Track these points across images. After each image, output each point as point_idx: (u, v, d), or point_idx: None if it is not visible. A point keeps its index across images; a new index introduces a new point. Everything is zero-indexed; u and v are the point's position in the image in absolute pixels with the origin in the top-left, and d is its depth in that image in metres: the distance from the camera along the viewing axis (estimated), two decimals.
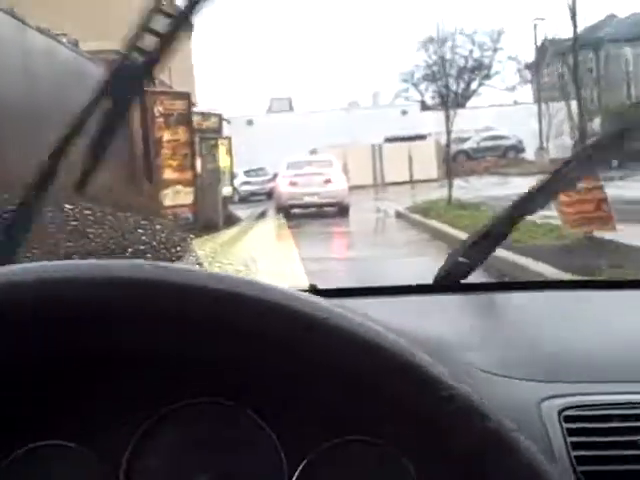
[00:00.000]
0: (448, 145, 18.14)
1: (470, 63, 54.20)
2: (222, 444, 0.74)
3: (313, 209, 18.86)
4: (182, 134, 10.75)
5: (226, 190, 16.37)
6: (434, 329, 1.06)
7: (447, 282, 1.34)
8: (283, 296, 0.58)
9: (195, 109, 16.84)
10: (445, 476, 0.59)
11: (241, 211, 21.52)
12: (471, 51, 53.07)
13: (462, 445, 0.57)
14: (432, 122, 36.76)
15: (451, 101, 54.79)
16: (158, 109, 10.68)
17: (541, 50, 50.62)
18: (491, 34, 51.35)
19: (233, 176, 17.94)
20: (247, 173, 29.88)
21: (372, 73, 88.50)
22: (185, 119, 10.87)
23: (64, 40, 12.57)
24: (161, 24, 1.04)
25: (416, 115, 39.45)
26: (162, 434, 0.74)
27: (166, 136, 10.46)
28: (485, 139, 36.66)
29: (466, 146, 35.64)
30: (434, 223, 13.44)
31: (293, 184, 18.70)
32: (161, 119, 10.72)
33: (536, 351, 1.00)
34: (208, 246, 2.02)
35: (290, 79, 73.67)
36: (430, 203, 17.59)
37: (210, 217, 12.83)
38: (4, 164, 8.54)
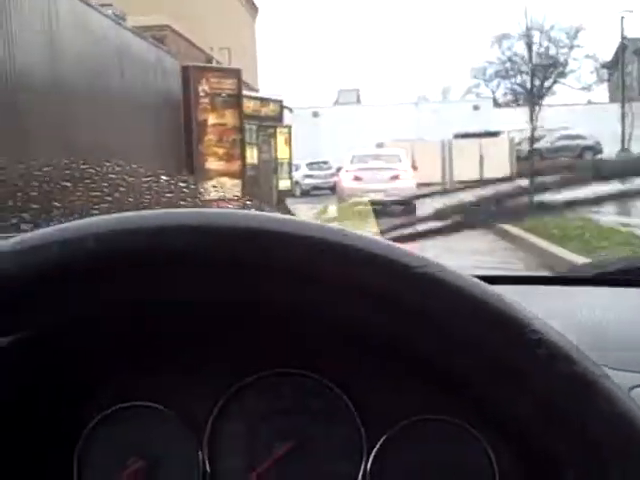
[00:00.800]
0: (532, 142, 16.32)
1: (545, 60, 51.81)
2: (303, 415, 0.73)
3: (378, 207, 17.21)
4: (230, 118, 9.09)
5: (283, 183, 14.86)
6: None
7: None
8: (375, 245, 0.55)
9: (255, 94, 15.34)
10: (534, 444, 0.56)
11: (301, 205, 20.13)
12: (547, 48, 50.73)
13: (553, 393, 0.53)
14: (506, 119, 34.88)
15: (524, 99, 52.74)
16: (203, 88, 9.09)
17: (621, 48, 48.08)
18: (568, 31, 49.04)
19: (292, 168, 16.35)
20: (310, 166, 28.40)
21: (442, 68, 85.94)
22: (235, 101, 9.20)
23: (109, 12, 11.19)
24: None
25: (489, 111, 37.40)
26: (246, 401, 0.74)
27: (211, 119, 8.82)
28: (560, 138, 34.37)
29: (540, 145, 33.53)
30: (517, 231, 11.64)
31: (357, 179, 17.02)
32: (206, 99, 9.12)
33: (622, 341, 0.97)
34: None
35: (359, 71, 71.60)
36: None
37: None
38: (29, 136, 7.23)
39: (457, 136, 31.73)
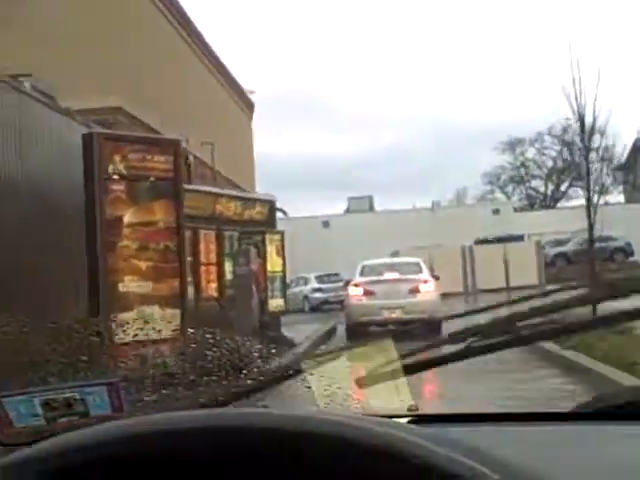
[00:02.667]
0: (590, 245, 12.74)
1: (559, 164, 49.13)
2: None
3: (395, 326, 13.51)
4: (161, 214, 5.66)
5: (275, 303, 11.36)
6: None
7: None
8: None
9: (236, 193, 12.05)
10: None
11: (307, 325, 16.70)
12: (560, 151, 48.02)
13: None
14: (528, 222, 31.75)
15: (539, 203, 49.69)
16: (117, 167, 5.64)
17: (634, 149, 45.33)
18: (581, 134, 46.41)
19: (286, 284, 12.81)
20: (319, 279, 25.00)
21: (454, 174, 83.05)
22: (170, 188, 5.80)
23: (27, 84, 8.06)
24: None
25: (509, 215, 34.16)
26: None
27: (128, 217, 5.40)
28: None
29: (565, 249, 30.12)
30: (590, 364, 7.92)
31: (369, 294, 13.45)
32: (121, 185, 5.65)
33: None
34: (317, 369, 1.64)
35: (371, 176, 68.53)
36: None
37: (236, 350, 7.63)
38: None
39: (478, 242, 28.48)
